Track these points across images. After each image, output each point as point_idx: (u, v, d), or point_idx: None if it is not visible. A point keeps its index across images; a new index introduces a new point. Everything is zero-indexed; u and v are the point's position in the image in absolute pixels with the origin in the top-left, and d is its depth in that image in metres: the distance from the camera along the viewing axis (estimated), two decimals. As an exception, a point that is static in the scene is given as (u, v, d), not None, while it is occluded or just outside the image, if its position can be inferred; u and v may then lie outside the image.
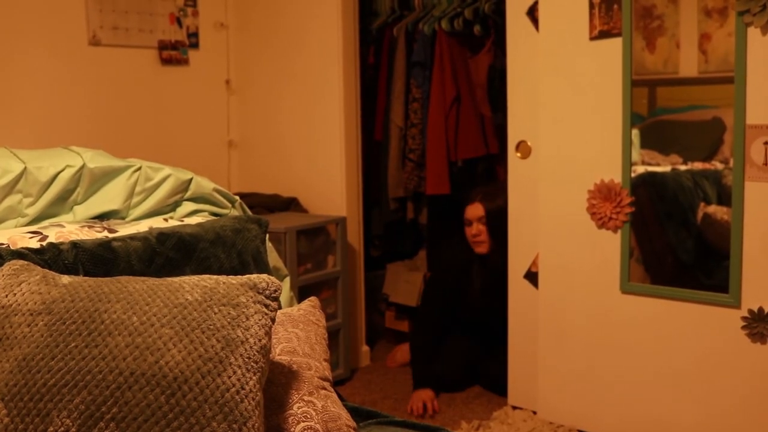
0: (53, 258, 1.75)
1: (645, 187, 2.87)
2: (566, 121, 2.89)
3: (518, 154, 3.09)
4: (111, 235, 1.99)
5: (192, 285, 1.52)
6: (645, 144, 2.86)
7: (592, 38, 2.79)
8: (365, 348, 3.95)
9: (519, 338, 3.20)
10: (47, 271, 1.58)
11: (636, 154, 2.84)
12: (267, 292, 1.55)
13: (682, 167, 2.89)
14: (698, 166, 2.87)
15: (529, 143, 3.07)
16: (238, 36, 4.12)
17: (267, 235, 2.30)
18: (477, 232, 3.40)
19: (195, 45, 3.98)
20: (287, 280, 2.52)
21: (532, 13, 3.00)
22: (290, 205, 3.79)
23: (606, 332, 2.84)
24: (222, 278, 1.56)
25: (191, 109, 3.99)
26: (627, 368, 2.81)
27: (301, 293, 3.32)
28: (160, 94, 3.86)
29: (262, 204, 3.71)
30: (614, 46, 2.73)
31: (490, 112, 3.75)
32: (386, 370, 3.85)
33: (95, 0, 3.56)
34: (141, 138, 3.78)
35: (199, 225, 2.07)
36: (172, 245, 1.94)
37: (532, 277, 3.10)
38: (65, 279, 1.54)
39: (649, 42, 2.81)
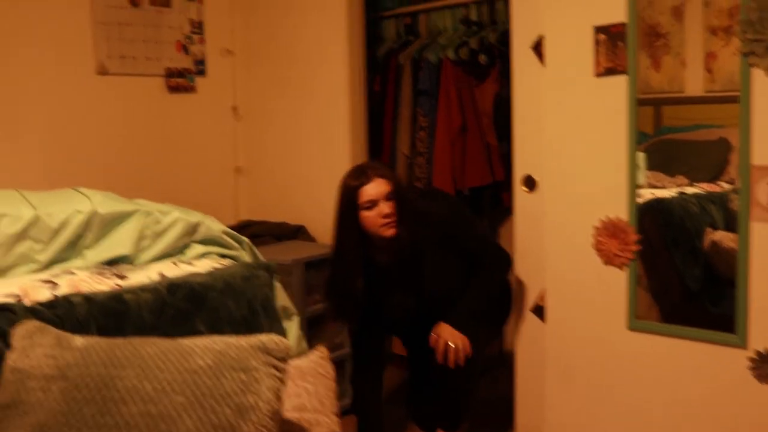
0: (66, 313, 1.77)
1: (651, 213, 2.87)
2: (572, 157, 2.89)
3: (524, 188, 3.11)
4: (122, 283, 2.02)
5: (203, 349, 1.54)
6: (651, 165, 2.85)
7: (597, 75, 2.79)
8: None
9: (526, 372, 3.20)
10: (61, 332, 1.59)
11: (642, 177, 2.84)
12: (277, 353, 1.57)
13: (689, 189, 2.89)
14: (704, 187, 2.87)
15: (535, 177, 3.08)
16: (245, 62, 4.14)
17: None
18: (390, 210, 2.75)
19: (202, 72, 4.00)
20: (296, 319, 2.52)
21: (538, 48, 3.02)
22: (297, 233, 3.81)
23: (613, 369, 2.85)
24: (233, 340, 1.58)
25: (198, 136, 4.01)
26: (634, 406, 2.81)
27: (309, 325, 3.34)
28: (168, 121, 3.88)
29: (270, 232, 3.73)
30: (619, 83, 2.73)
31: (496, 141, 3.76)
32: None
33: (102, 29, 3.59)
34: (149, 165, 3.80)
35: (208, 273, 2.09)
36: (183, 296, 1.96)
37: (539, 311, 3.11)
38: (78, 341, 1.56)
39: (654, 60, 2.82)
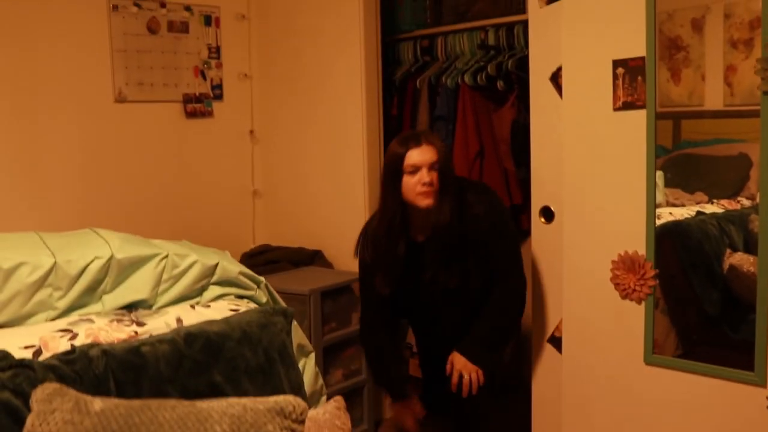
0: (84, 368, 1.79)
1: (669, 237, 2.85)
2: (590, 191, 2.88)
3: (542, 220, 3.10)
4: (140, 330, 2.03)
5: (220, 413, 1.55)
6: (669, 182, 2.83)
7: (616, 109, 2.78)
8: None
9: (543, 406, 3.20)
10: (80, 395, 1.60)
11: (660, 195, 2.82)
12: (294, 415, 1.58)
13: (708, 207, 2.87)
14: (724, 204, 2.84)
15: (552, 208, 3.07)
16: (262, 86, 4.16)
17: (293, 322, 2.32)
18: (431, 179, 2.70)
19: (219, 96, 4.02)
20: (312, 355, 2.54)
21: (556, 80, 3.00)
22: (314, 258, 3.81)
23: (630, 403, 2.84)
24: (249, 404, 1.58)
25: (216, 160, 4.03)
26: (652, 442, 2.80)
27: (325, 353, 3.34)
28: (185, 146, 3.90)
29: (287, 258, 3.74)
30: (638, 117, 2.72)
31: (513, 167, 3.74)
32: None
33: (121, 57, 3.61)
34: (167, 190, 3.83)
35: (225, 321, 2.10)
36: (200, 347, 1.97)
37: (556, 342, 3.10)
38: (97, 405, 1.57)
39: (674, 73, 2.79)
